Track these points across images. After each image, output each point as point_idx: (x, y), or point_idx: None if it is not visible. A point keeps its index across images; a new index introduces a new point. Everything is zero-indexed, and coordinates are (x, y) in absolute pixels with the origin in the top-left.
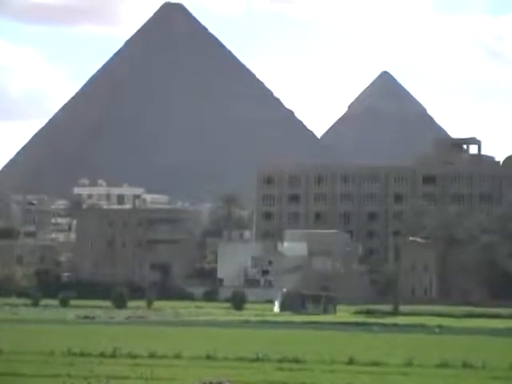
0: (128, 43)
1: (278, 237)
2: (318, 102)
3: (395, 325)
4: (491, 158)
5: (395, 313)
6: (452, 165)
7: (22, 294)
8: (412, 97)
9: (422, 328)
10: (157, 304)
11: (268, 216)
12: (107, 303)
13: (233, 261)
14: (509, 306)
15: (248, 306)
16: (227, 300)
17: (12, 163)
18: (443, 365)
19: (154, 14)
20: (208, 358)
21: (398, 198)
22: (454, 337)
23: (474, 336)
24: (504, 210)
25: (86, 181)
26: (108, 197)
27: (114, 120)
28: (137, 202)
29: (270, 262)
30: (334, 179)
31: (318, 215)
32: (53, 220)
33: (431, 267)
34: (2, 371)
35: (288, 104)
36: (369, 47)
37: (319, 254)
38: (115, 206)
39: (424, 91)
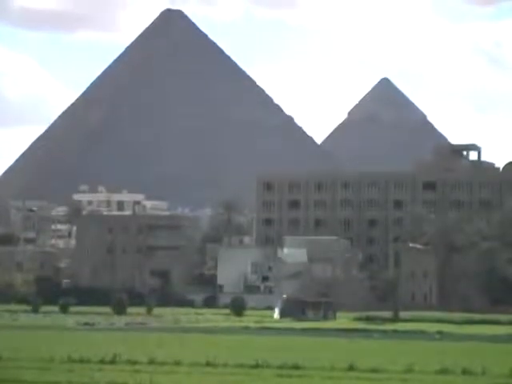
0: (128, 49)
1: (278, 243)
2: (317, 108)
3: (395, 331)
4: (491, 165)
5: (395, 319)
6: (452, 171)
7: (21, 300)
8: (412, 103)
9: (422, 334)
10: (157, 310)
11: (268, 222)
12: (107, 309)
13: (233, 267)
14: (509, 312)
15: (248, 312)
16: (227, 306)
17: (12, 170)
18: (443, 371)
19: (154, 21)
20: (208, 364)
21: (398, 204)
22: (453, 343)
23: (473, 342)
24: (504, 216)
25: (85, 187)
26: (108, 203)
27: (114, 126)
28: (136, 208)
29: (270, 268)
30: (334, 185)
31: (317, 221)
32: (53, 226)
33: (431, 273)
34: (2, 378)
35: (288, 110)
36: (369, 54)
37: (319, 261)
38: (115, 213)
39: (424, 98)
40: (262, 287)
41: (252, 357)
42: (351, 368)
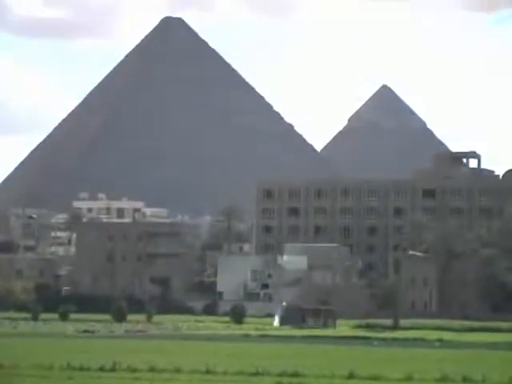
0: (128, 57)
1: (278, 250)
2: (317, 115)
3: (395, 339)
4: (491, 172)
5: (395, 327)
6: (452, 179)
7: (21, 307)
8: (412, 111)
9: (422, 342)
10: (156, 318)
11: (268, 229)
12: (107, 317)
13: (232, 274)
14: (509, 319)
15: (248, 319)
16: (227, 314)
17: (11, 177)
18: (443, 379)
19: (154, 28)
20: (207, 372)
21: (398, 211)
22: (453, 351)
23: (473, 350)
24: (504, 223)
25: (85, 194)
26: (108, 210)
27: (114, 134)
28: (136, 215)
29: (270, 276)
30: (334, 193)
31: (317, 229)
32: (52, 234)
33: (431, 281)
34: None
35: (288, 118)
36: (369, 61)
37: (319, 268)
38: (115, 220)
39: (424, 105)
40: (261, 294)
41: (252, 364)
42: (351, 376)
